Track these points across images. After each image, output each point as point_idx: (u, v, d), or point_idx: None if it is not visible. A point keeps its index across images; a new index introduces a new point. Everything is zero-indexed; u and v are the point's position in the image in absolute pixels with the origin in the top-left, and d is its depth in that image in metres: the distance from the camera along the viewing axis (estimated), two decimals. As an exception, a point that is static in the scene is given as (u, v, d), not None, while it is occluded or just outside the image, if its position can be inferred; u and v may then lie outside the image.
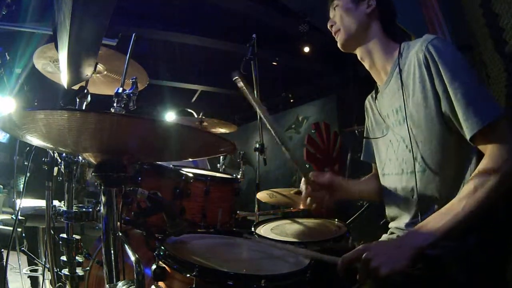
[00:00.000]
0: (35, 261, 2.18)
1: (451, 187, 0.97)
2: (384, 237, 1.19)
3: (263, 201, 2.23)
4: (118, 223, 0.83)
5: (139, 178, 1.28)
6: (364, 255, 0.81)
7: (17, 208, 1.72)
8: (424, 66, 0.99)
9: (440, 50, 0.97)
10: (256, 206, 2.24)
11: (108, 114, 0.73)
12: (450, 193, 0.93)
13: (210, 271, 0.83)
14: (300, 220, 1.64)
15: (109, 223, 0.80)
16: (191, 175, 1.40)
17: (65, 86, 1.18)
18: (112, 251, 0.80)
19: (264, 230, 1.47)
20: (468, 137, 0.90)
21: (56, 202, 1.55)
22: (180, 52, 5.36)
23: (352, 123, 3.69)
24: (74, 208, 1.36)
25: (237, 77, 1.10)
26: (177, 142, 0.80)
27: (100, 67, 1.69)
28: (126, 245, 0.97)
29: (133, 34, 1.52)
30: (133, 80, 1.40)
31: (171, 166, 1.54)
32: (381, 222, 1.30)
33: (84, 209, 1.36)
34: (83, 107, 1.37)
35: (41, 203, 1.85)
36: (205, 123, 2.94)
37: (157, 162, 1.40)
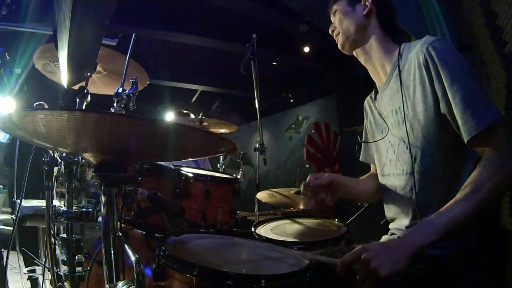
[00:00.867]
0: (35, 261, 2.17)
1: (450, 188, 0.97)
2: (385, 238, 1.19)
3: (263, 201, 2.23)
4: (118, 223, 0.83)
5: (139, 178, 1.28)
6: (363, 256, 0.81)
7: (17, 208, 1.72)
8: (424, 68, 1.00)
9: (440, 52, 0.97)
10: (256, 206, 2.24)
11: (108, 114, 0.73)
12: (448, 194, 0.93)
13: (210, 271, 0.83)
14: (300, 220, 1.64)
15: (109, 223, 0.80)
16: (191, 175, 1.40)
17: (65, 86, 1.18)
18: (112, 251, 0.80)
19: (264, 230, 1.47)
20: (466, 140, 0.91)
21: (56, 202, 1.55)
22: (180, 52, 5.36)
23: (353, 123, 3.69)
24: (74, 208, 1.36)
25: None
26: (177, 142, 0.80)
27: (100, 67, 1.69)
28: (126, 245, 0.97)
29: (133, 34, 1.52)
30: (133, 80, 1.40)
31: (171, 166, 1.54)
32: (381, 222, 1.30)
33: (84, 209, 1.36)
34: (83, 107, 1.37)
35: (41, 203, 1.85)
36: (205, 123, 2.94)
37: (157, 162, 1.40)
